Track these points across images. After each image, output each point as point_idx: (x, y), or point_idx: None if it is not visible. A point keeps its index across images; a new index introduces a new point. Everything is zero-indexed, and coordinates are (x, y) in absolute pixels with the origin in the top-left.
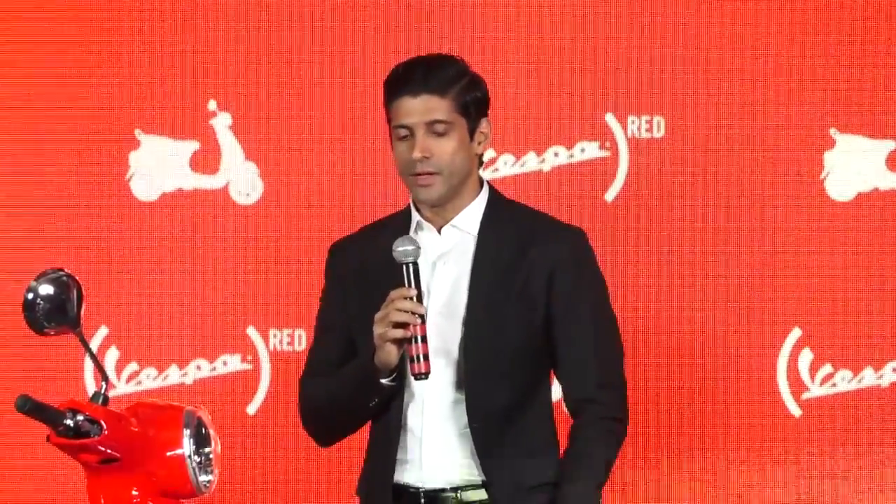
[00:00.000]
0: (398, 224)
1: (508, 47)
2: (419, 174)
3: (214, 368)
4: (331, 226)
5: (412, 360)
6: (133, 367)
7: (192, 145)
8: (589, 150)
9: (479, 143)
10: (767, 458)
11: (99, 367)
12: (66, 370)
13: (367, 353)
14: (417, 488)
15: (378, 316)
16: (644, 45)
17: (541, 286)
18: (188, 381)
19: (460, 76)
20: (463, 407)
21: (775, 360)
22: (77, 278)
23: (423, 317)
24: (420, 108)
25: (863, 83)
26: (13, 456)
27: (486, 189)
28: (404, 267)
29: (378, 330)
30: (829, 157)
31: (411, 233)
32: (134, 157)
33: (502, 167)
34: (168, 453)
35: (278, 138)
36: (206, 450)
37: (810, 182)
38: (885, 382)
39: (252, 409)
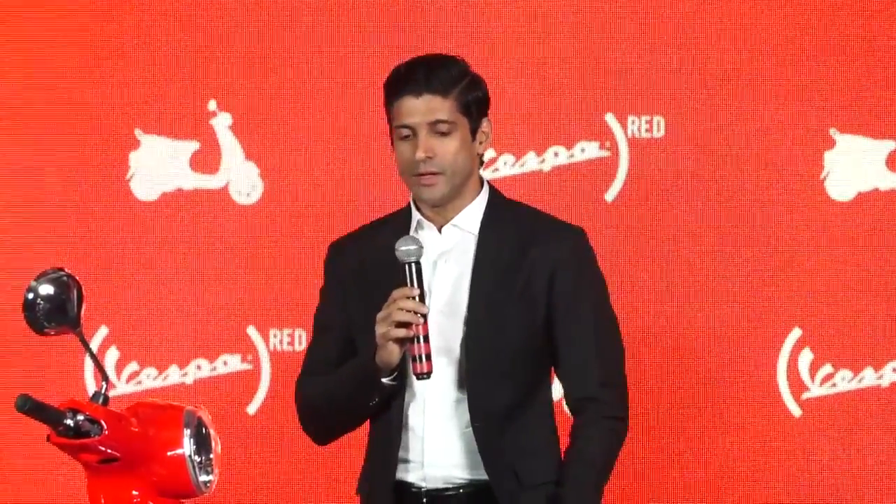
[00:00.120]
0: (398, 223)
1: (508, 47)
2: (422, 174)
3: (215, 368)
4: (331, 226)
5: (414, 360)
6: (133, 366)
7: (192, 145)
8: (589, 150)
9: (481, 143)
10: (767, 458)
11: (99, 367)
12: (66, 370)
13: (367, 352)
14: (419, 488)
15: (380, 315)
16: (644, 45)
17: (542, 286)
18: (188, 380)
19: (462, 76)
20: (464, 406)
21: (775, 360)
22: (77, 278)
23: (425, 316)
24: (423, 108)
25: (863, 83)
26: (13, 456)
27: (486, 188)
28: (406, 266)
29: (380, 329)
30: (829, 157)
31: (412, 232)
32: (134, 157)
33: (502, 167)
34: (168, 453)
35: (278, 138)
36: (207, 450)
37: (810, 182)
38: (885, 382)
39: (252, 409)
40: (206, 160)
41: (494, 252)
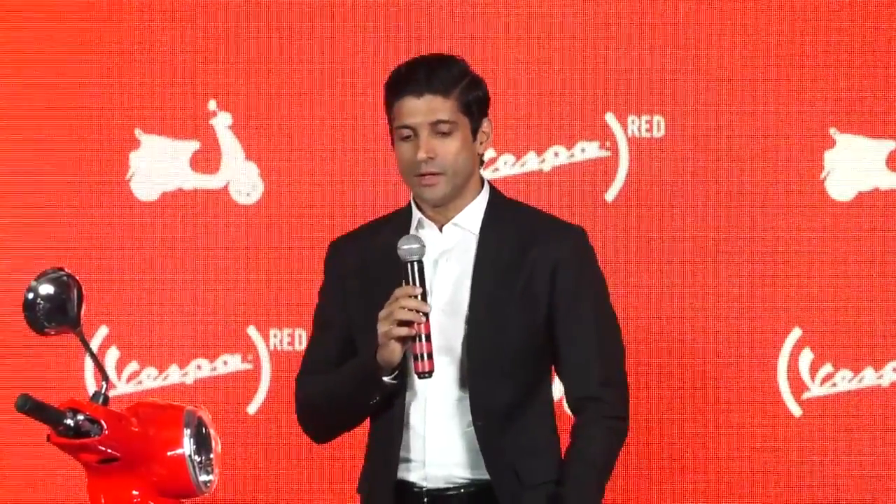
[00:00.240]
0: (399, 222)
1: (508, 47)
2: (423, 175)
3: (215, 368)
4: (331, 226)
5: (416, 359)
6: (133, 366)
7: (192, 145)
8: (589, 150)
9: (481, 143)
10: (767, 458)
11: (99, 367)
12: (66, 370)
13: (368, 350)
14: (420, 487)
15: (382, 314)
16: (644, 45)
17: (543, 285)
18: (188, 380)
19: (462, 76)
20: (466, 405)
21: (775, 360)
22: (77, 278)
23: (427, 315)
24: (424, 108)
25: (863, 83)
26: (13, 456)
27: (487, 188)
28: (409, 265)
29: (382, 328)
30: (829, 157)
31: (412, 231)
32: (134, 157)
33: (502, 167)
34: (168, 453)
35: (278, 138)
36: (207, 450)
37: (810, 182)
38: (885, 382)
39: (252, 408)
40: (206, 160)
41: (495, 251)
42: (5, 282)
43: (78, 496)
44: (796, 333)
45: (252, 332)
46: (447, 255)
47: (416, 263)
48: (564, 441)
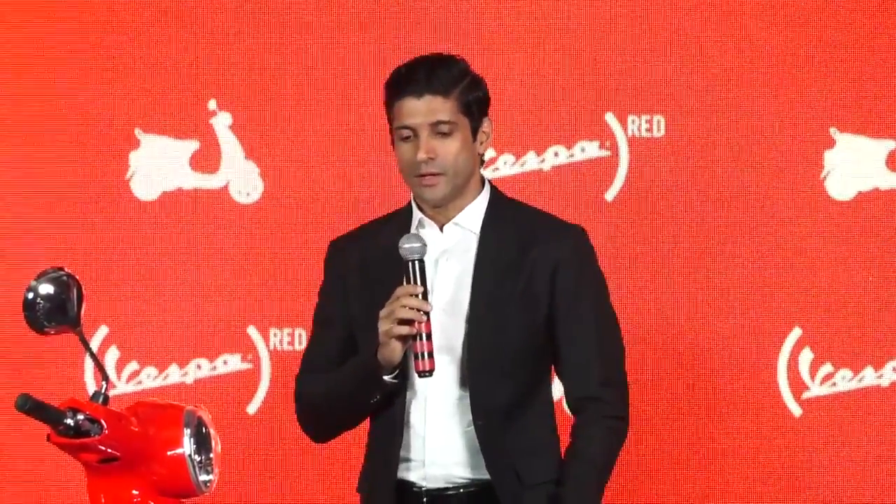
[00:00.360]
0: (399, 221)
1: (508, 47)
2: (423, 175)
3: (215, 368)
4: (331, 226)
5: (417, 358)
6: (133, 366)
7: (192, 145)
8: (589, 150)
9: (482, 143)
10: (768, 458)
11: (99, 367)
12: (66, 370)
13: (368, 349)
14: (420, 487)
15: (383, 312)
16: (644, 45)
17: (543, 284)
18: (188, 380)
19: (462, 76)
20: (466, 404)
21: (775, 359)
22: (77, 278)
23: (428, 314)
24: (424, 108)
25: (863, 83)
26: (13, 456)
27: (487, 188)
28: (410, 264)
29: (383, 326)
30: (829, 157)
31: (413, 230)
32: (134, 157)
33: (502, 167)
34: (168, 453)
35: (278, 138)
36: (207, 449)
37: (810, 182)
38: (885, 382)
39: (252, 408)
40: (206, 160)
41: (496, 251)
42: (5, 282)
43: (78, 496)
44: (796, 333)
45: (252, 331)
46: (448, 254)
47: (417, 262)
48: (564, 441)
